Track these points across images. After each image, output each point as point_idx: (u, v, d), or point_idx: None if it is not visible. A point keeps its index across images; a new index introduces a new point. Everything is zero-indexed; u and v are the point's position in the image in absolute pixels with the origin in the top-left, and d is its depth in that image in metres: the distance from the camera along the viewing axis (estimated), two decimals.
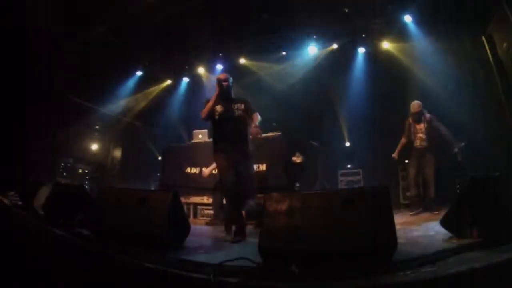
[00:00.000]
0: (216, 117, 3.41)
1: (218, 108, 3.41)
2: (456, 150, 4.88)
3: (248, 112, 3.47)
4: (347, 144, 8.09)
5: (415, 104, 5.06)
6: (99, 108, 8.19)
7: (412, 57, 6.69)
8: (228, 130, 3.39)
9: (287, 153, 5.41)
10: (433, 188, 4.80)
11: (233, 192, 3.23)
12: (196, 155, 5.76)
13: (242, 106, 3.45)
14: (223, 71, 8.00)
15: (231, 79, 3.57)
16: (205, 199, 5.51)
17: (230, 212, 3.31)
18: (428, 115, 4.99)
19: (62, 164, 7.24)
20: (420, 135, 5.03)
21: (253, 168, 3.58)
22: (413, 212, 4.89)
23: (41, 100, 6.16)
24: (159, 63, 8.56)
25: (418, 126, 5.09)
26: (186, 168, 5.82)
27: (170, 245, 2.39)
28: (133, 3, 6.09)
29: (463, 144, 4.94)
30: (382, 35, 7.10)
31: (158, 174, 7.74)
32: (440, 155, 5.07)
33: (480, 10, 5.15)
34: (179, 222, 2.58)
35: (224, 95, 3.46)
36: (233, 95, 3.58)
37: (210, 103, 3.41)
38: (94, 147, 8.70)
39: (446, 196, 4.92)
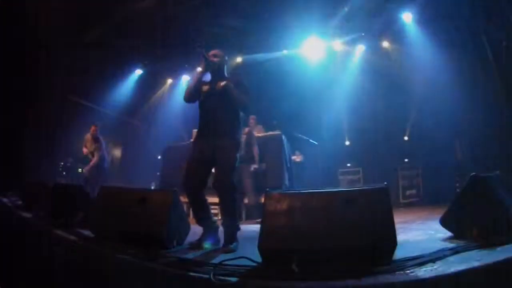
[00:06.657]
0: (201, 98, 2.85)
1: (204, 87, 2.86)
2: None
3: (239, 88, 2.77)
4: (347, 142, 8.10)
5: None
6: (99, 107, 8.18)
7: (412, 55, 6.69)
8: (209, 109, 2.79)
9: (287, 152, 5.41)
10: None
11: (194, 192, 2.68)
12: None
13: (230, 82, 2.80)
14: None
15: (225, 57, 2.94)
16: None
17: (197, 215, 2.76)
18: None
19: (62, 163, 7.23)
20: None
21: (235, 158, 2.70)
22: None
23: (41, 99, 6.16)
24: (159, 62, 8.55)
25: None
26: None
27: (170, 244, 2.38)
28: (133, 2, 6.08)
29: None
30: (381, 33, 7.10)
31: (158, 173, 7.75)
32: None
33: (479, 8, 5.15)
34: (179, 222, 2.57)
35: (213, 73, 2.87)
36: (226, 74, 2.95)
37: (192, 82, 2.88)
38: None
39: (446, 195, 4.95)
